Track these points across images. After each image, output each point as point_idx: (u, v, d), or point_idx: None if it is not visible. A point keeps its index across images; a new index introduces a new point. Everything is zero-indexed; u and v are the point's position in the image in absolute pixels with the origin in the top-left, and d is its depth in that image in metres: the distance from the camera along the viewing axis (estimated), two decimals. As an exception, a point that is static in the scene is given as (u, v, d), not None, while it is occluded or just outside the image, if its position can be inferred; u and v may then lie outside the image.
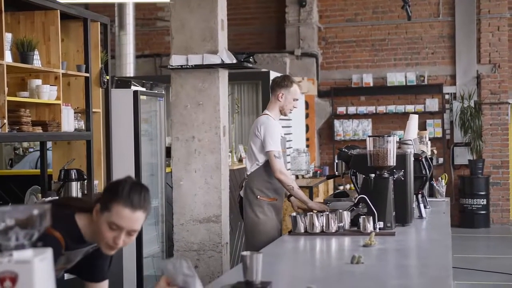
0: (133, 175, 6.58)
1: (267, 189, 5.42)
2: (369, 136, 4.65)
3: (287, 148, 10.16)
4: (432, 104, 13.10)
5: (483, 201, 12.65)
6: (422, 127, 12.66)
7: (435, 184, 6.61)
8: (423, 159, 5.28)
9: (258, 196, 5.42)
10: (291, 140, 10.73)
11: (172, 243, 5.97)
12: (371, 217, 4.39)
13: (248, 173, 5.50)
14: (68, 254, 2.84)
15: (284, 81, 5.54)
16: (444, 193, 6.66)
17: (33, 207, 1.88)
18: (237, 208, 5.73)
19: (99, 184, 6.08)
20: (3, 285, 1.81)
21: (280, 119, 9.56)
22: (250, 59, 5.98)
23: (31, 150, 8.79)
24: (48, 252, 1.87)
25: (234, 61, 5.76)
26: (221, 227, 5.80)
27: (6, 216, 1.83)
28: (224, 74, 5.94)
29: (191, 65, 5.75)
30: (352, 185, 5.94)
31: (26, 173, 7.11)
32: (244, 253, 2.85)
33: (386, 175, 4.58)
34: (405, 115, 11.88)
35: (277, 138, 5.37)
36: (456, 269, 8.55)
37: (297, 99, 5.55)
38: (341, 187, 11.52)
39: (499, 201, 13.05)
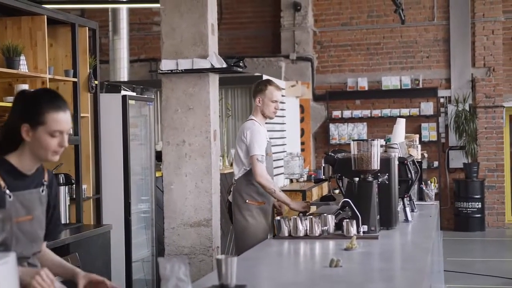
0: (122, 179, 6.62)
1: (255, 193, 5.47)
2: (353, 140, 4.67)
3: (281, 152, 10.26)
4: (427, 107, 13.10)
5: (478, 205, 12.65)
6: (417, 130, 12.70)
7: (424, 188, 6.61)
8: (409, 163, 5.28)
9: (247, 200, 5.46)
10: (285, 144, 10.74)
11: (163, 247, 5.97)
12: (355, 221, 4.40)
13: (236, 178, 5.54)
14: (17, 196, 2.88)
15: (259, 86, 5.61)
16: (434, 197, 6.64)
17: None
18: (227, 212, 5.77)
19: (87, 189, 6.09)
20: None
21: (274, 123, 9.60)
22: (240, 64, 5.98)
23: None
24: (11, 256, 1.88)
25: (224, 65, 5.76)
26: (211, 231, 5.80)
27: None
28: (214, 79, 5.94)
29: (181, 70, 5.76)
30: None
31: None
32: (219, 257, 2.87)
33: (370, 179, 4.59)
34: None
35: (262, 143, 5.41)
36: (450, 273, 8.56)
37: (275, 101, 5.57)
38: (337, 191, 11.51)
39: (494, 204, 13.05)
